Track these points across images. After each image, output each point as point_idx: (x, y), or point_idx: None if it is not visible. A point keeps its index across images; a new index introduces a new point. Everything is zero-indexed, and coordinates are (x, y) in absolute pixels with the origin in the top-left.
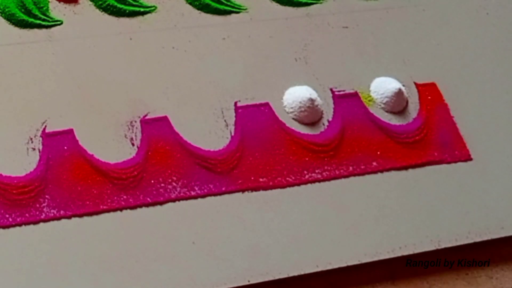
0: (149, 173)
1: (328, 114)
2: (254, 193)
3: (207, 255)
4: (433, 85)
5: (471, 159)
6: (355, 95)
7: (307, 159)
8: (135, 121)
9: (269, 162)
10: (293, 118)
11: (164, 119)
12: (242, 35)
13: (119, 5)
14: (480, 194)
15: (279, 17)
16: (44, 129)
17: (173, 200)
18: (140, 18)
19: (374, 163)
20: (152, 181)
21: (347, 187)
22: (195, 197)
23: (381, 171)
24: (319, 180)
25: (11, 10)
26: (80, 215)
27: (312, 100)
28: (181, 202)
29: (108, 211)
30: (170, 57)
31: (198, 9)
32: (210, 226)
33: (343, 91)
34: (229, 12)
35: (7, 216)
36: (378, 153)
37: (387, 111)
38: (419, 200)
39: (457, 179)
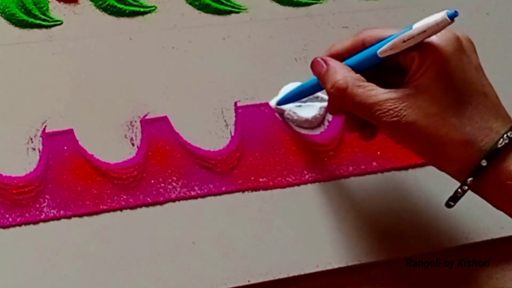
0: (149, 173)
1: (328, 114)
2: (254, 193)
3: (207, 255)
4: None
5: None
6: None
7: (307, 159)
8: (135, 121)
9: (269, 162)
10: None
11: (164, 119)
12: (242, 35)
13: (119, 5)
14: None
15: (279, 17)
16: (44, 129)
17: (173, 200)
18: (140, 18)
19: (374, 163)
20: (152, 181)
21: (347, 187)
22: (195, 197)
23: (381, 171)
24: (319, 180)
25: (11, 10)
26: (80, 215)
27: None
28: (181, 202)
29: (108, 211)
30: (170, 57)
31: (198, 9)
32: (210, 226)
33: None
34: (229, 12)
35: (7, 216)
36: (378, 153)
37: None
38: (420, 200)
39: None
